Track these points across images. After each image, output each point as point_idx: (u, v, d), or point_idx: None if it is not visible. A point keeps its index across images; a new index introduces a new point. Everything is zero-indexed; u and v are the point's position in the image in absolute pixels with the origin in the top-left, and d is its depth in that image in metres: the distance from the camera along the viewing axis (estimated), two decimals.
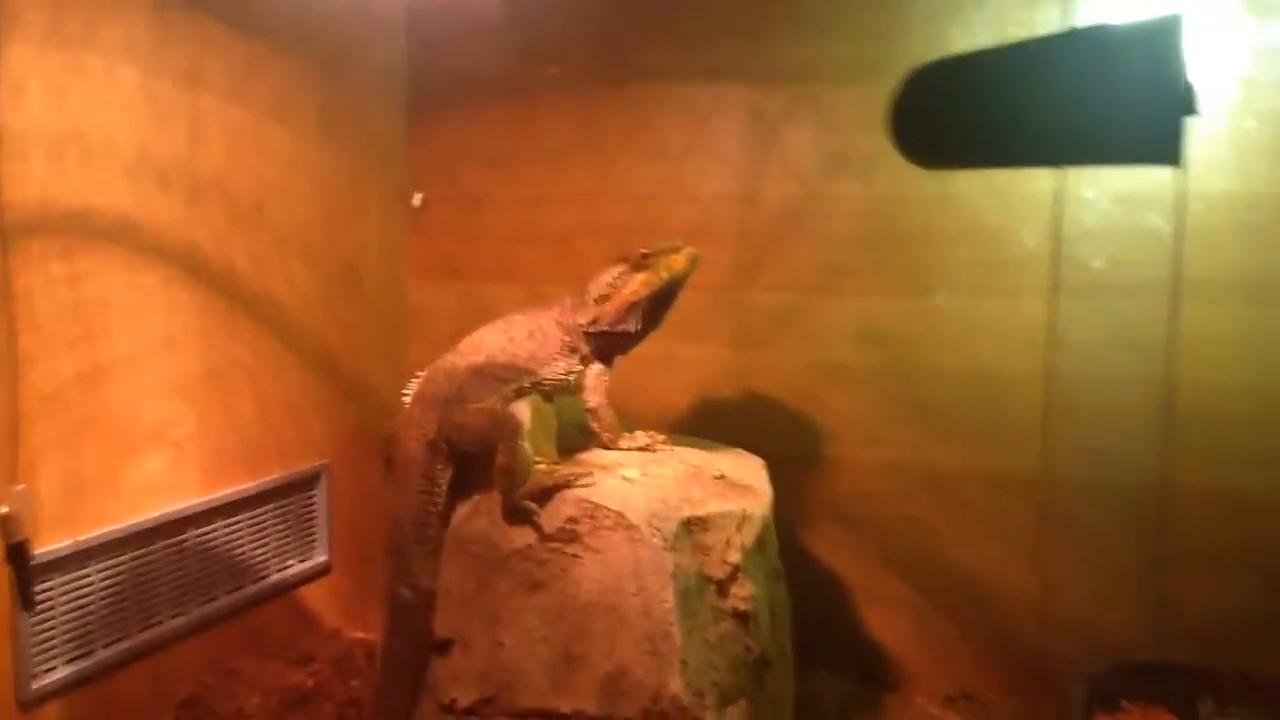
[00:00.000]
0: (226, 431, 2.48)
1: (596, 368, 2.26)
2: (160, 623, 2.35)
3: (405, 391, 2.24)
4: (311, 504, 2.76)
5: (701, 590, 1.99)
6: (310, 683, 2.50)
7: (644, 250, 2.22)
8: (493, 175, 2.90)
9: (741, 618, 2.04)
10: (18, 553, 1.94)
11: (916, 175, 2.40)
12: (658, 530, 1.95)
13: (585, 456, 2.21)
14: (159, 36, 2.24)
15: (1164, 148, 1.39)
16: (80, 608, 2.17)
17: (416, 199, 2.97)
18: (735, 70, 2.64)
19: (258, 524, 2.59)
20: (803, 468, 2.62)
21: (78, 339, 2.12)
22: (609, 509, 1.98)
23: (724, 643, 2.00)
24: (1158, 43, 1.39)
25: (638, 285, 2.21)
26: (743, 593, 2.04)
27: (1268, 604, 2.30)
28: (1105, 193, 2.17)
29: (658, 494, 2.04)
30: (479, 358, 2.20)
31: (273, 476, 2.61)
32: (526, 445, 2.04)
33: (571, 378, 2.24)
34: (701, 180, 2.70)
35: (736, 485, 2.16)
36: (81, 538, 2.15)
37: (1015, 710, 2.43)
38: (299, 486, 2.71)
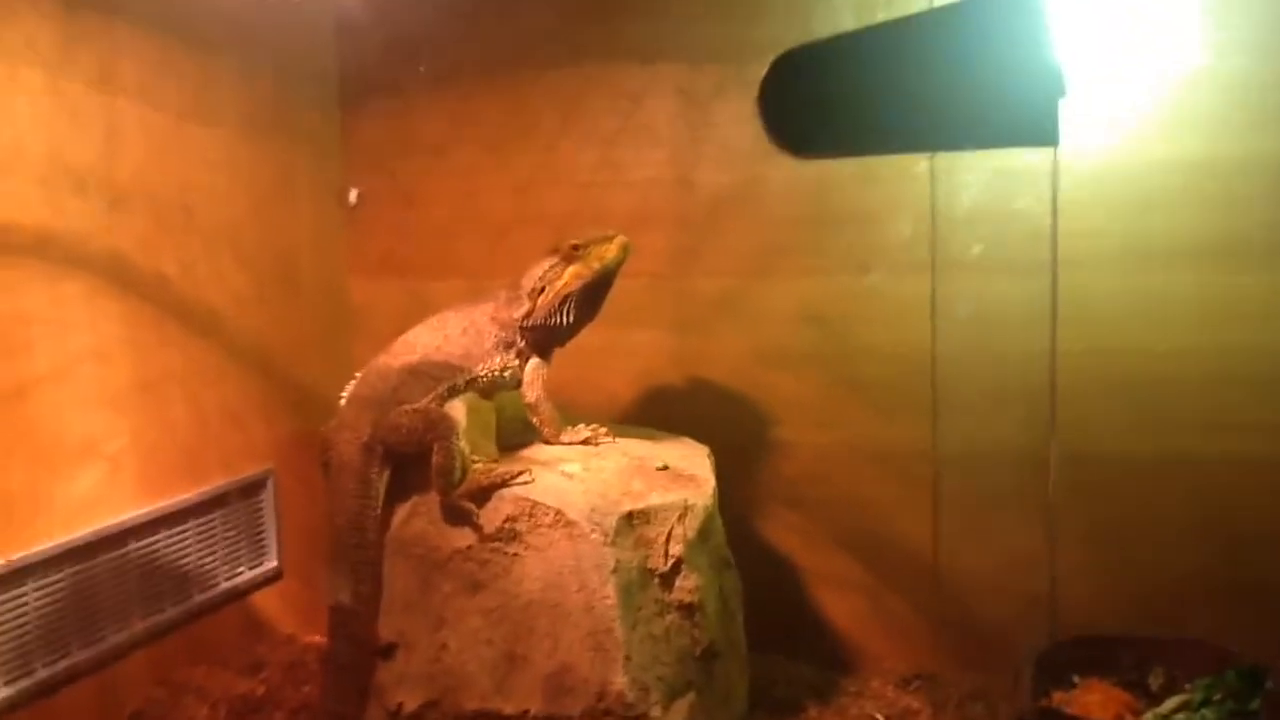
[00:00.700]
0: (163, 441, 2.43)
1: (534, 362, 2.23)
2: (105, 637, 2.30)
3: (343, 394, 2.21)
4: (259, 510, 2.72)
5: (645, 584, 1.97)
6: (261, 690, 2.47)
7: (575, 241, 2.19)
8: (429, 167, 2.85)
9: (687, 609, 2.02)
10: None
11: None
12: (597, 525, 1.93)
13: (526, 453, 2.19)
14: (66, 36, 2.17)
15: (1039, 128, 1.37)
16: (16, 627, 2.12)
17: (352, 195, 2.91)
18: (664, 50, 2.60)
19: (204, 532, 2.55)
20: (750, 452, 2.60)
21: None
22: (547, 506, 1.96)
23: (670, 635, 1.99)
24: (1020, 20, 1.36)
25: (570, 278, 2.18)
26: (687, 584, 2.02)
27: (1214, 569, 2.30)
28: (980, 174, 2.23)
29: (598, 489, 2.02)
30: (413, 357, 2.17)
31: (216, 484, 2.57)
32: (463, 444, 2.02)
33: (508, 373, 2.22)
34: (637, 166, 2.66)
35: (679, 476, 2.14)
36: (14, 557, 2.10)
37: (971, 688, 2.42)
38: (245, 493, 2.67)
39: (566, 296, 2.18)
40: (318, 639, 2.72)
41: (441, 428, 2.01)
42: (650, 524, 2.00)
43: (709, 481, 2.17)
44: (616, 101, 2.66)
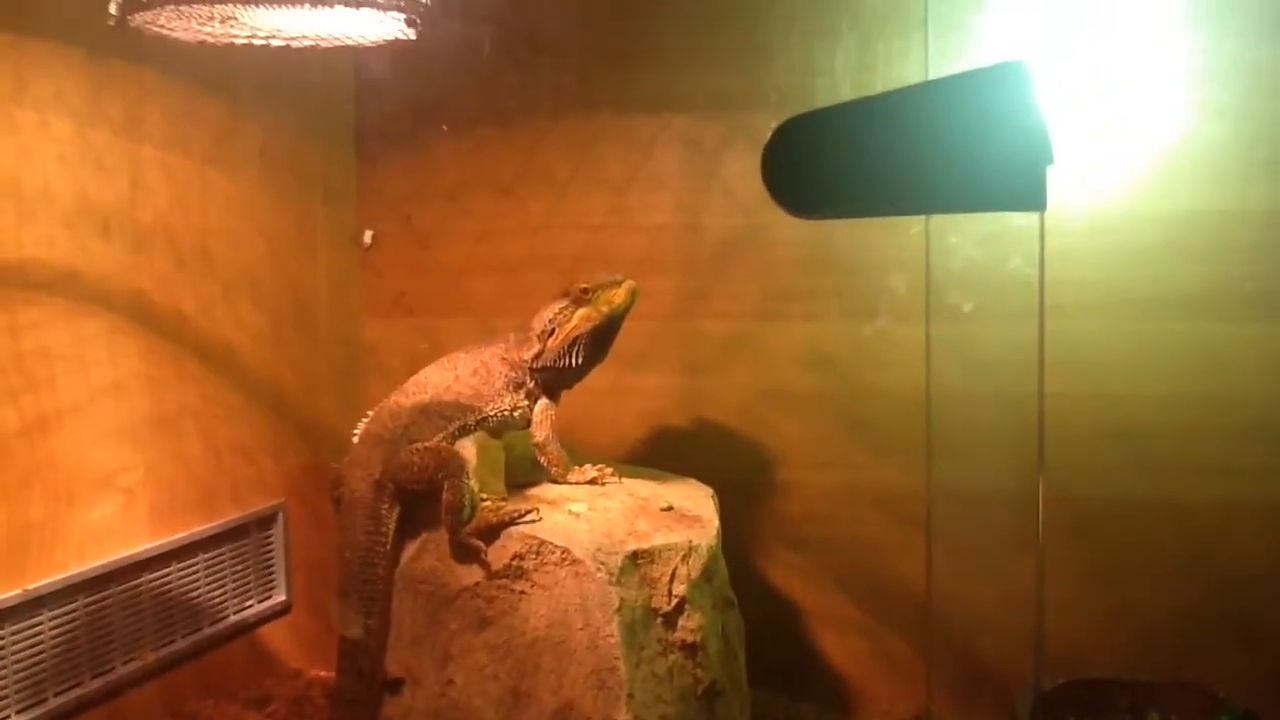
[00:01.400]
0: (178, 475, 2.48)
1: (543, 402, 2.28)
2: (115, 668, 2.34)
3: (355, 431, 2.26)
4: (269, 544, 2.76)
5: (648, 623, 2.01)
6: None
7: (584, 285, 2.25)
8: (443, 211, 2.92)
9: (690, 649, 2.06)
10: None
11: None
12: (603, 564, 1.97)
13: (534, 492, 2.23)
14: (94, 86, 2.25)
15: (1028, 193, 1.43)
16: (32, 656, 2.16)
17: (367, 237, 2.98)
18: (672, 100, 2.67)
19: (214, 566, 2.59)
20: (754, 493, 2.64)
21: (20, 390, 2.12)
22: (554, 544, 1.99)
23: (673, 675, 2.02)
24: (1008, 90, 1.43)
25: (579, 321, 2.24)
26: (690, 624, 2.06)
27: (1206, 612, 2.34)
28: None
29: (604, 528, 2.06)
30: (424, 396, 2.22)
31: (228, 518, 2.61)
32: (472, 482, 2.07)
33: (518, 414, 2.26)
34: (646, 211, 2.72)
35: (684, 516, 2.18)
36: (31, 586, 2.14)
37: None
38: (255, 527, 2.71)
39: (576, 339, 2.24)
40: (324, 673, 2.75)
41: (452, 466, 2.05)
42: (654, 564, 2.04)
43: (713, 522, 2.21)
44: (627, 150, 2.73)
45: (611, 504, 2.17)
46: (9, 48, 2.08)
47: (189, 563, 2.51)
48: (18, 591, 2.12)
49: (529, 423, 2.28)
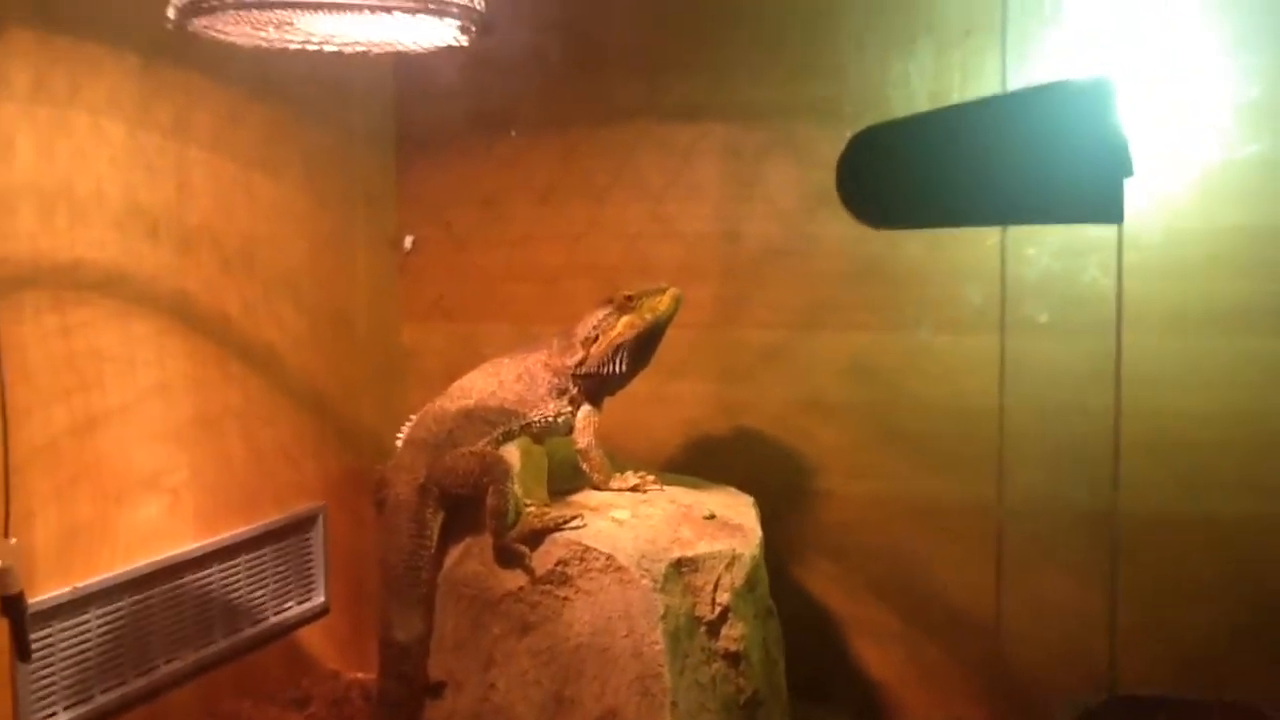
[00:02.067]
0: (221, 476, 2.50)
1: (586, 409, 2.29)
2: (158, 667, 2.36)
3: (398, 435, 2.27)
4: (308, 546, 2.78)
5: (692, 631, 2.01)
6: None
7: (628, 293, 2.26)
8: (482, 216, 2.93)
9: (733, 658, 2.06)
10: (13, 605, 1.96)
11: None
12: (647, 572, 1.97)
13: (576, 498, 2.24)
14: (145, 90, 2.27)
15: (1106, 206, 1.43)
16: (79, 654, 2.18)
17: (407, 241, 3.00)
18: (711, 109, 2.68)
19: (255, 567, 2.61)
20: (792, 501, 2.64)
21: (71, 390, 2.14)
22: (599, 551, 2.00)
23: (715, 683, 2.02)
24: (1092, 105, 1.43)
25: (623, 328, 2.25)
26: (734, 633, 2.06)
27: (1247, 630, 2.32)
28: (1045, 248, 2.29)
29: (647, 535, 2.07)
30: (468, 401, 2.23)
31: (269, 520, 2.63)
32: (516, 488, 2.07)
33: (561, 420, 2.27)
34: (685, 219, 2.73)
35: (726, 525, 2.18)
36: (79, 585, 2.16)
37: None
38: (295, 529, 2.73)
39: (619, 346, 2.24)
40: (362, 675, 2.77)
41: (496, 471, 2.06)
42: (699, 572, 2.04)
43: (755, 531, 2.21)
44: (666, 158, 2.73)
45: (654, 511, 2.18)
46: (65, 53, 2.10)
47: (230, 564, 2.53)
48: (67, 589, 2.14)
49: (571, 429, 2.29)
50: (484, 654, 2.06)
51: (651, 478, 2.30)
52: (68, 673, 2.16)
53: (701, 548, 2.07)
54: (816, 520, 2.65)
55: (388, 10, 1.66)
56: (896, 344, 2.55)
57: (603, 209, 2.82)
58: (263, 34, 1.88)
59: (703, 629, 2.02)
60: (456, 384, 2.29)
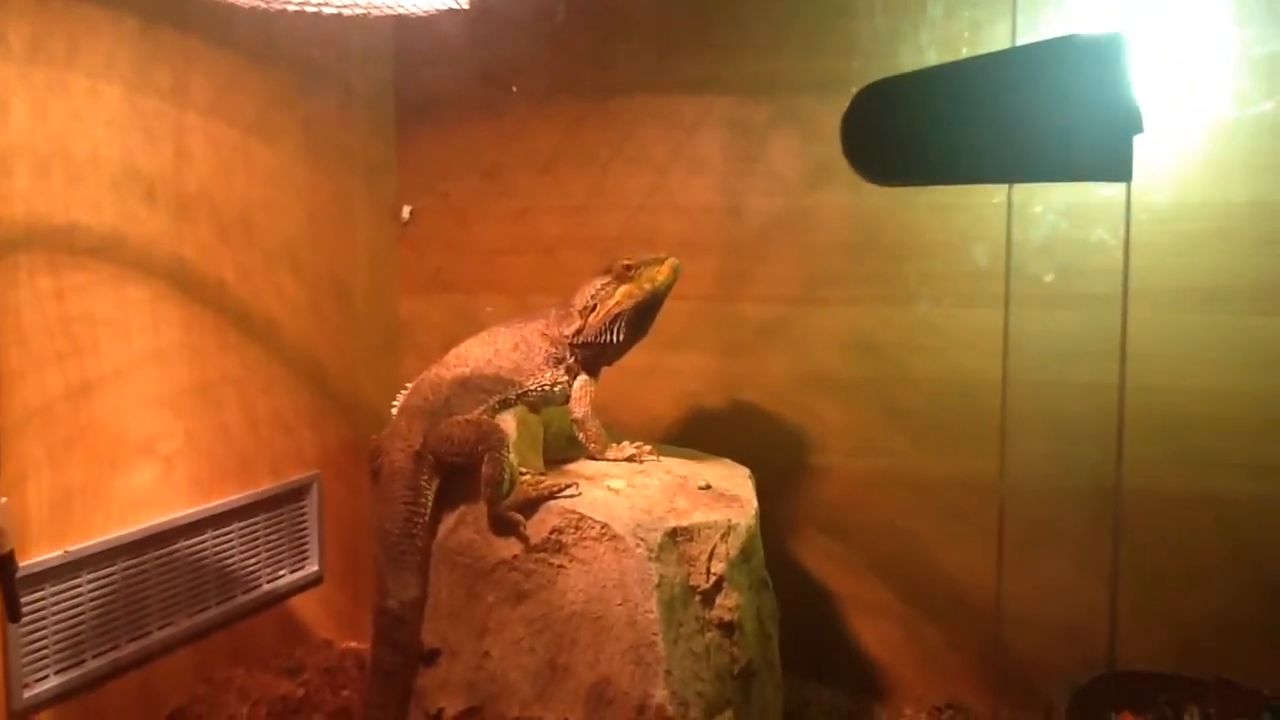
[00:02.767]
0: (216, 444, 2.49)
1: (582, 379, 2.28)
2: (150, 633, 2.36)
3: (394, 403, 2.26)
4: (303, 514, 2.77)
5: (686, 600, 2.00)
6: (300, 693, 2.51)
7: (627, 261, 2.24)
8: (482, 187, 2.91)
9: (727, 628, 2.05)
10: (3, 565, 1.96)
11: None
12: (642, 541, 1.96)
13: (572, 467, 2.22)
14: (143, 54, 2.26)
15: (1115, 164, 1.41)
16: (71, 618, 2.18)
17: (405, 212, 2.98)
18: (717, 83, 2.65)
19: (249, 535, 2.60)
20: (790, 476, 2.63)
21: (66, 354, 2.13)
22: (594, 519, 1.99)
23: (709, 653, 2.01)
24: (1103, 60, 1.40)
25: (621, 297, 2.23)
26: (728, 603, 2.05)
27: (1246, 609, 2.31)
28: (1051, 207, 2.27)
29: (643, 504, 2.05)
30: (464, 370, 2.22)
31: (263, 488, 2.62)
32: (512, 456, 2.06)
33: (557, 389, 2.26)
34: (688, 192, 2.71)
35: (722, 496, 2.17)
36: (71, 549, 2.16)
37: None
38: (290, 497, 2.72)
39: (617, 315, 2.23)
40: (355, 644, 2.77)
41: (492, 439, 2.05)
42: (694, 541, 2.03)
43: (751, 502, 2.20)
44: (669, 130, 2.71)
45: (650, 481, 2.17)
46: (62, 13, 2.09)
47: (224, 530, 2.53)
48: (59, 553, 2.13)
49: (568, 398, 2.27)
50: (478, 622, 2.06)
51: (648, 448, 2.28)
52: (59, 636, 2.16)
53: (697, 517, 2.06)
54: (815, 496, 2.64)
55: None
56: (899, 318, 2.54)
57: (605, 181, 2.80)
58: None
59: (697, 598, 2.02)
60: (453, 352, 2.27)
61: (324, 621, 2.83)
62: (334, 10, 1.92)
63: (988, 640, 2.51)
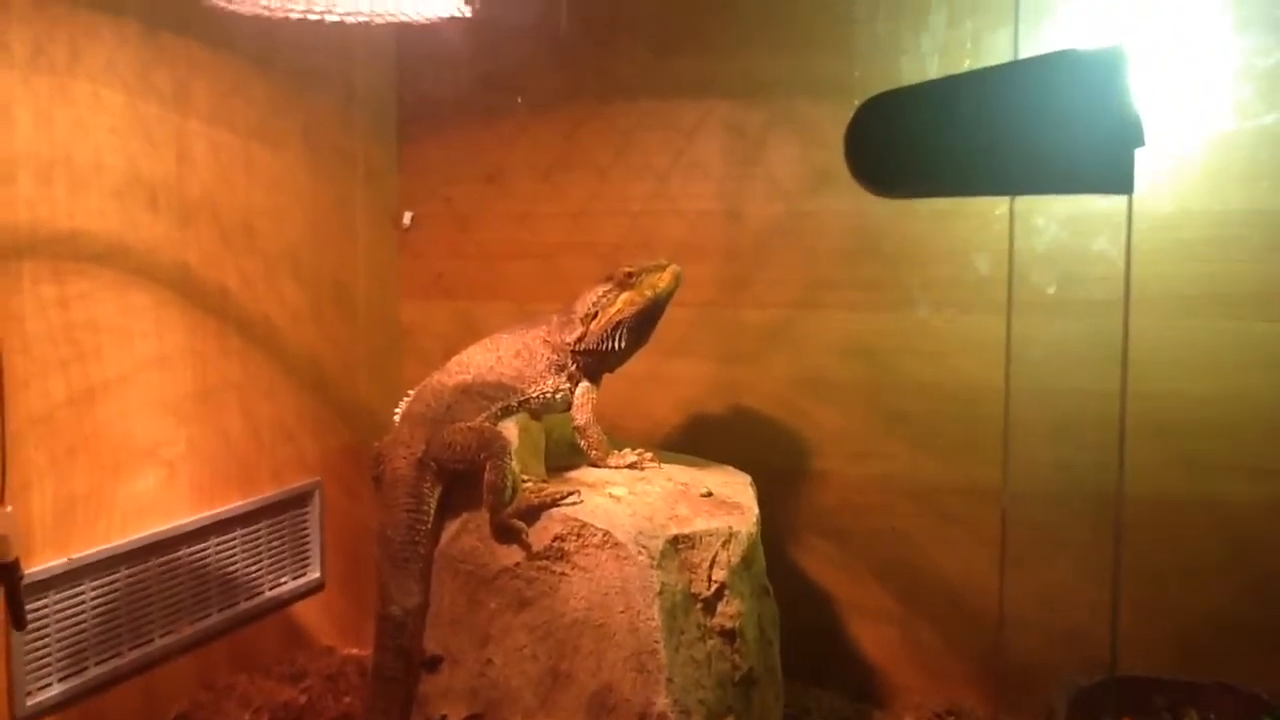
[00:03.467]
0: (219, 450, 2.49)
1: (584, 385, 2.28)
2: (153, 640, 2.36)
3: (396, 410, 2.26)
4: (304, 521, 2.78)
5: (688, 608, 2.01)
6: (302, 699, 2.52)
7: (628, 269, 2.25)
8: (483, 193, 2.92)
9: (728, 635, 2.06)
10: (8, 573, 1.96)
11: None
12: (644, 548, 1.97)
13: (574, 474, 2.23)
14: (145, 59, 2.26)
15: (1117, 177, 1.42)
16: (74, 625, 2.19)
17: (406, 218, 2.99)
18: (716, 87, 2.66)
19: (251, 541, 2.61)
20: (790, 481, 2.64)
21: (69, 361, 2.14)
22: (596, 527, 1.99)
23: (711, 660, 2.02)
24: (1103, 75, 1.42)
25: (623, 304, 2.24)
26: (729, 610, 2.06)
27: (1246, 613, 2.32)
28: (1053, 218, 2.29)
29: (645, 512, 2.06)
30: (467, 376, 2.22)
31: (265, 494, 2.63)
32: (514, 463, 2.06)
33: (559, 396, 2.26)
34: (688, 197, 2.72)
35: (724, 503, 2.18)
36: (75, 556, 2.17)
37: None
38: (292, 504, 2.73)
39: (619, 323, 2.24)
40: (356, 651, 2.77)
41: (495, 446, 2.05)
42: (695, 549, 2.04)
43: (752, 510, 2.20)
44: (669, 135, 2.72)
45: (651, 488, 2.17)
46: (65, 18, 2.09)
47: (227, 537, 2.53)
48: (62, 560, 2.14)
49: (569, 405, 2.28)
50: (480, 629, 2.06)
51: (649, 455, 2.29)
52: (62, 643, 2.16)
53: (698, 525, 2.06)
54: (815, 501, 2.65)
55: None
56: (898, 323, 2.55)
57: (605, 186, 2.81)
58: (264, 2, 1.87)
59: (699, 606, 2.02)
60: (455, 359, 2.28)
61: (325, 628, 2.83)
62: (336, 18, 1.92)
63: (988, 645, 2.52)
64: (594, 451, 2.26)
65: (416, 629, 2.10)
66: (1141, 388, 2.31)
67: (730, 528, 2.10)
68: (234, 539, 2.55)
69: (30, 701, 2.11)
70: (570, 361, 2.27)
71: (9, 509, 1.97)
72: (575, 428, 2.26)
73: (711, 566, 2.05)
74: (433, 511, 2.12)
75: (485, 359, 2.25)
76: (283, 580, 2.71)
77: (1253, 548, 2.32)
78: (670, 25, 2.71)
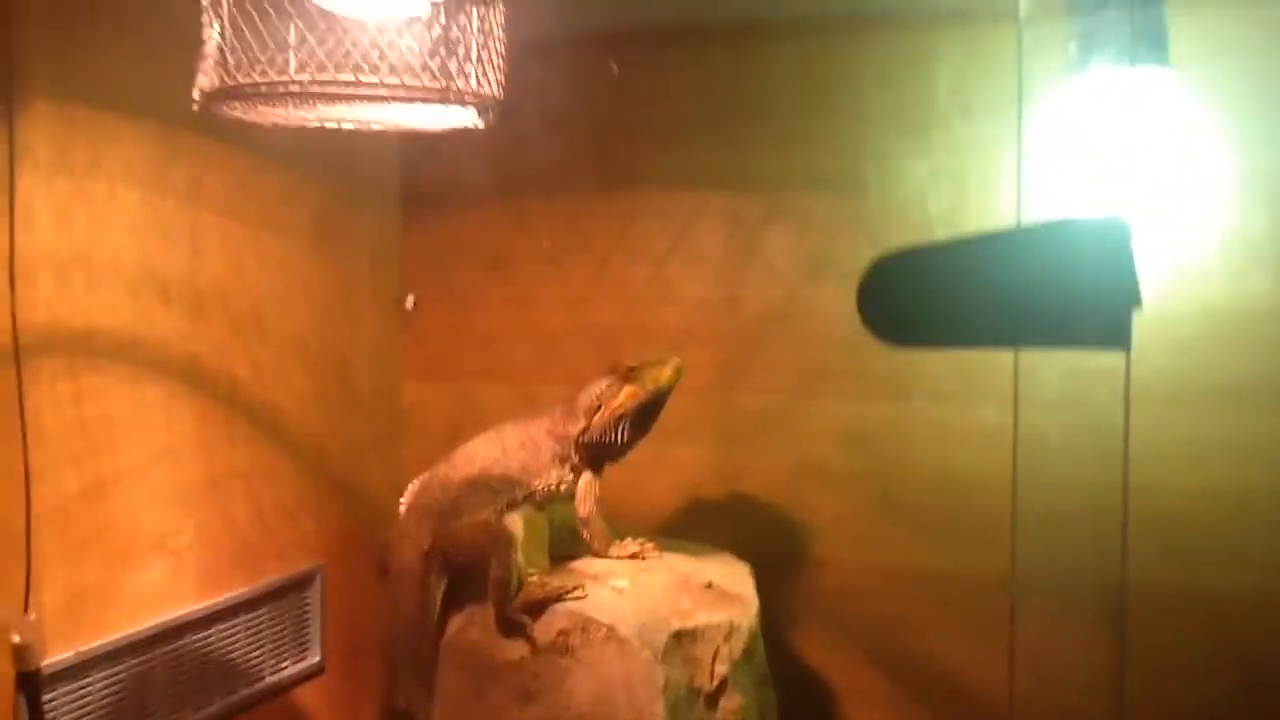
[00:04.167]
0: (224, 537, 2.52)
1: (587, 476, 2.32)
2: None
3: (401, 500, 2.30)
4: (306, 605, 2.79)
5: (691, 702, 2.04)
6: None
7: (631, 363, 2.30)
8: (484, 277, 2.98)
9: None
10: (29, 681, 1.98)
11: None
12: (648, 643, 2.00)
13: (577, 565, 2.27)
14: (161, 157, 2.32)
15: (1115, 335, 1.49)
16: (81, 718, 2.20)
17: (409, 300, 3.04)
18: (714, 178, 2.74)
19: (253, 626, 2.62)
20: (789, 567, 2.68)
21: (81, 455, 2.17)
22: (600, 622, 2.03)
23: None
24: (1105, 243, 1.49)
25: (625, 398, 2.28)
26: (731, 705, 2.09)
27: (1244, 704, 2.36)
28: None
29: (648, 605, 2.10)
30: (472, 469, 2.26)
31: (269, 579, 2.65)
32: (519, 558, 2.10)
33: (563, 487, 2.30)
34: (686, 284, 2.78)
35: (725, 594, 2.22)
36: (84, 648, 2.17)
37: None
38: (294, 587, 2.74)
39: (622, 415, 2.28)
40: None
41: (501, 542, 2.09)
42: (698, 643, 2.07)
43: (753, 600, 2.24)
44: (668, 224, 2.79)
45: (653, 579, 2.21)
46: (86, 123, 2.15)
47: (230, 624, 2.55)
48: (70, 654, 2.15)
49: (573, 495, 2.32)
50: None
51: (651, 545, 2.33)
52: None
53: (701, 619, 2.10)
54: (814, 588, 2.68)
55: (410, 101, 1.71)
56: (894, 413, 2.59)
57: (605, 271, 2.87)
58: (280, 113, 1.93)
59: (701, 700, 2.05)
60: (460, 451, 2.32)
61: (325, 713, 2.83)
62: (351, 126, 1.98)
63: None
64: (596, 542, 2.30)
65: None
66: (1135, 480, 2.37)
67: (732, 621, 2.14)
68: (237, 625, 2.57)
69: None
70: (574, 453, 2.31)
71: (33, 617, 1.99)
72: (579, 519, 2.30)
73: (714, 660, 2.09)
74: (439, 604, 2.15)
75: (490, 451, 2.29)
76: (284, 665, 2.72)
77: (1242, 640, 2.35)
78: (669, 115, 2.79)
